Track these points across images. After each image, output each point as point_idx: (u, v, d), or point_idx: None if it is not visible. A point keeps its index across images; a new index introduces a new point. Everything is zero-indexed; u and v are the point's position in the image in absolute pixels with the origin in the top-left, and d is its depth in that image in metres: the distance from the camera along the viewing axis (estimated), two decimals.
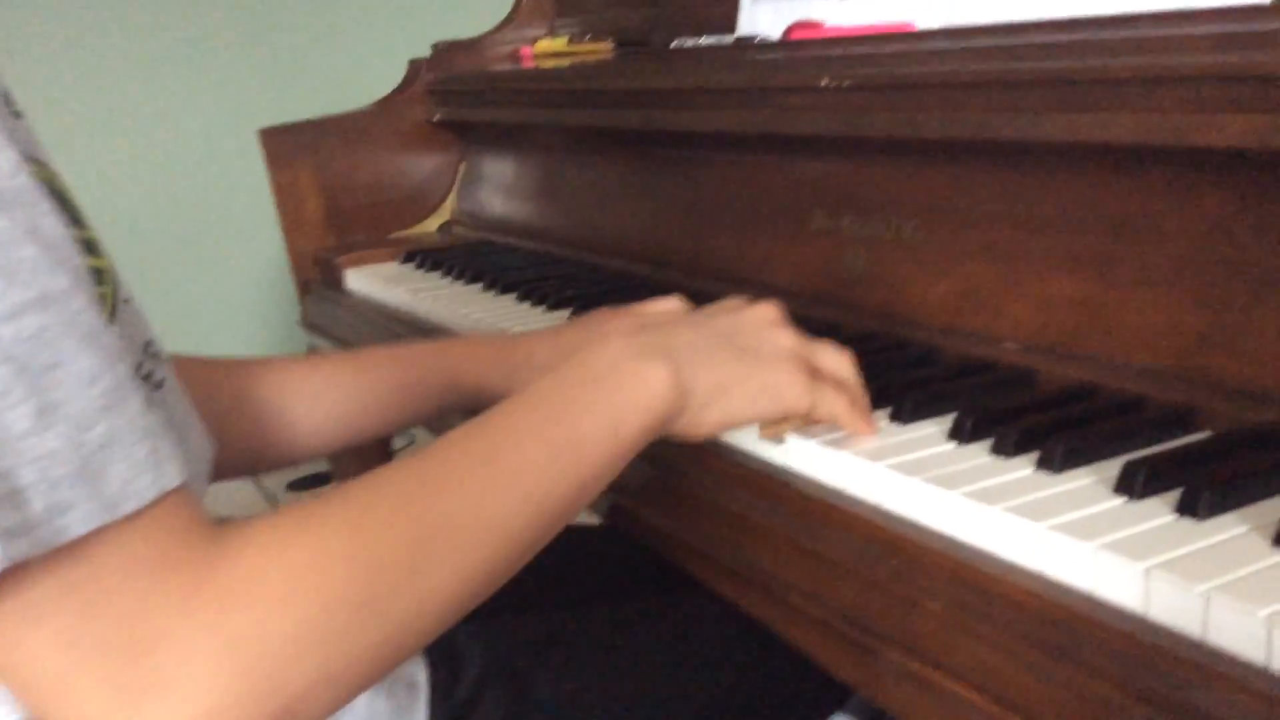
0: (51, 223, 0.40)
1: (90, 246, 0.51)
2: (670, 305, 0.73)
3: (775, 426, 0.62)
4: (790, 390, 0.59)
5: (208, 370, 0.71)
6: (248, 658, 0.40)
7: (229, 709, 0.39)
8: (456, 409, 0.77)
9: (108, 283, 0.51)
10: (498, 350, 0.76)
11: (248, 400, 0.72)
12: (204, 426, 0.60)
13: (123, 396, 0.39)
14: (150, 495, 0.39)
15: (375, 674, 0.45)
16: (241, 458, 0.71)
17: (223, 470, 0.69)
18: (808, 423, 0.63)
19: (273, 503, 2.29)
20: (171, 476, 0.40)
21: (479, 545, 0.48)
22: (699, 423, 0.58)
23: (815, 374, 0.60)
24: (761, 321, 0.61)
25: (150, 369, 0.54)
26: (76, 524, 0.37)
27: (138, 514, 0.39)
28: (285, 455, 0.74)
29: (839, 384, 0.61)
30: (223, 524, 0.43)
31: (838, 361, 0.62)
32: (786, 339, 0.60)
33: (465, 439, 0.51)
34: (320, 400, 0.74)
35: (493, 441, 0.51)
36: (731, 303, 0.63)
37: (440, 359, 0.76)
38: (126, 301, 0.54)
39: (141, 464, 0.39)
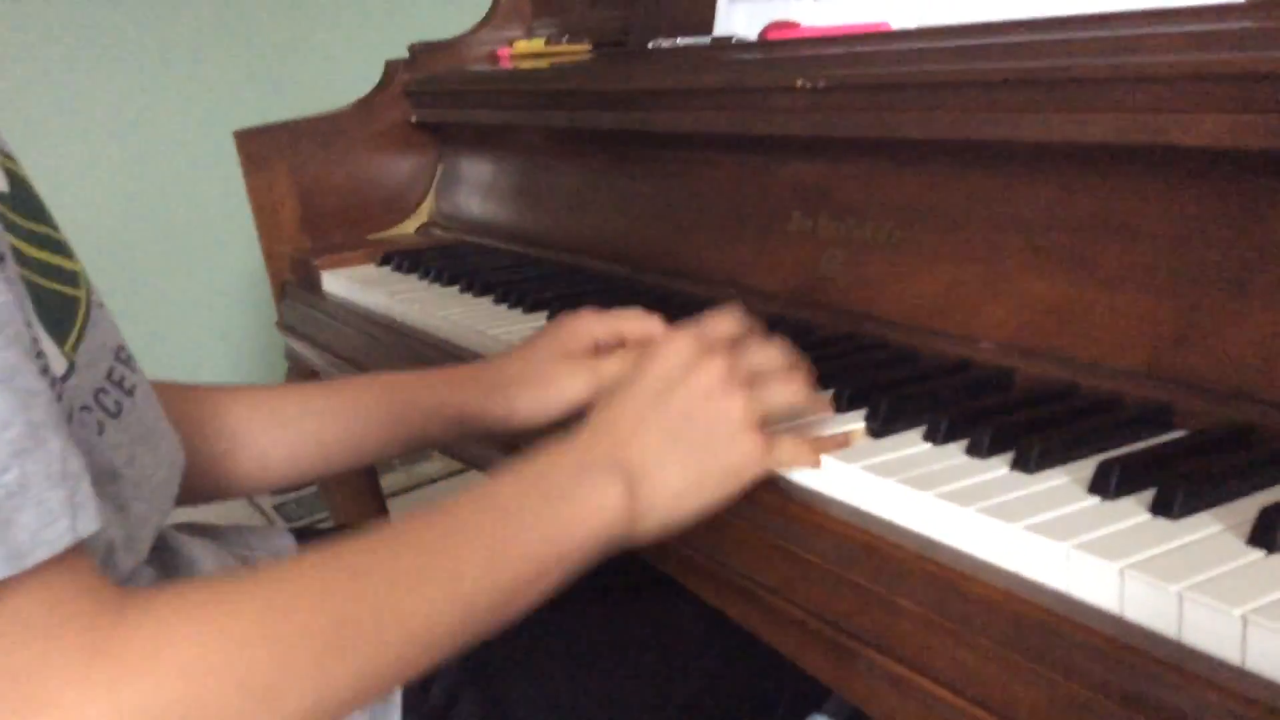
0: None
1: (62, 248, 0.51)
2: (636, 313, 0.73)
3: None
4: (748, 466, 0.59)
5: (177, 395, 0.70)
6: None
7: None
8: (440, 439, 0.77)
9: (81, 286, 0.51)
10: (474, 374, 0.75)
11: (219, 425, 0.71)
12: (175, 435, 0.59)
13: (40, 440, 0.38)
14: (64, 543, 0.38)
15: None
16: (211, 482, 0.71)
17: (194, 494, 0.68)
18: None
19: (260, 512, 2.28)
20: (87, 522, 0.39)
21: (396, 643, 0.47)
22: (661, 531, 0.58)
23: (766, 424, 0.59)
24: (711, 390, 0.58)
25: (122, 374, 0.53)
26: None
27: (45, 567, 0.38)
28: (260, 481, 0.73)
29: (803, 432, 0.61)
30: (132, 589, 0.42)
31: (787, 395, 0.61)
32: (737, 406, 0.58)
33: (403, 534, 0.50)
34: (294, 427, 0.73)
35: (429, 542, 0.50)
36: (675, 357, 0.60)
37: (419, 388, 0.75)
38: (100, 306, 0.53)
39: (55, 511, 0.38)
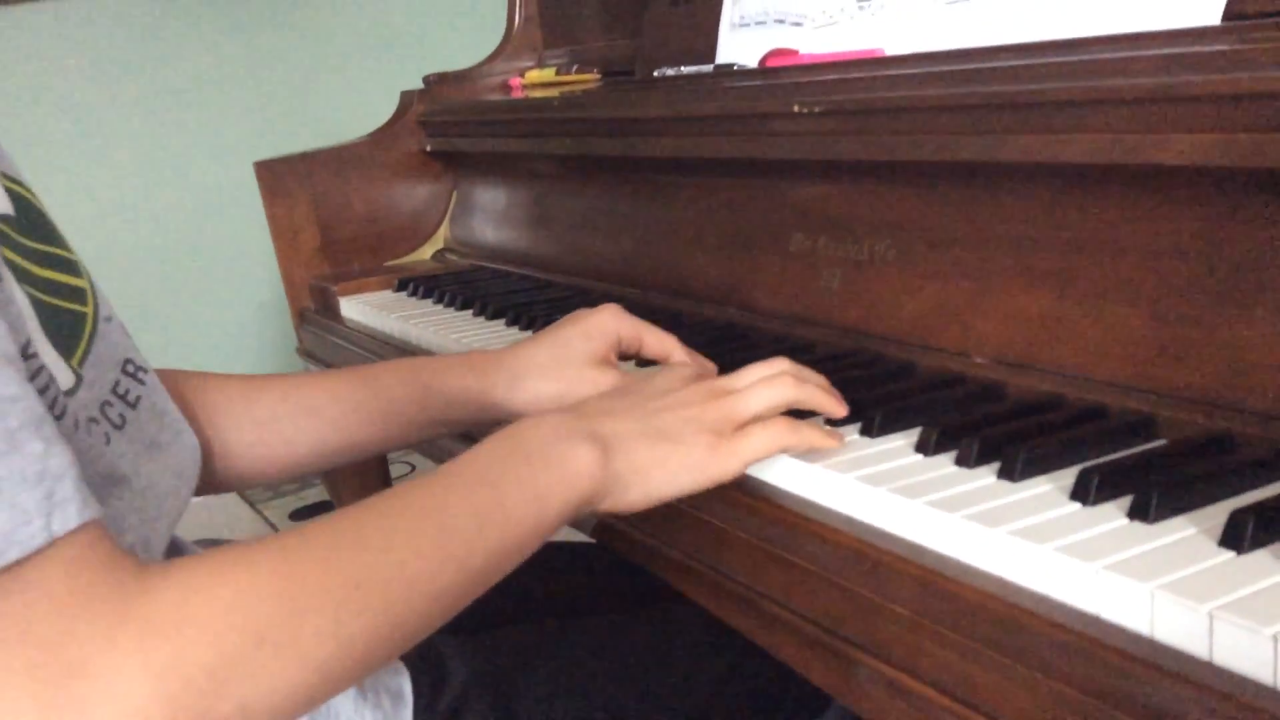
0: None
1: (70, 266, 0.53)
2: (658, 330, 0.76)
3: None
4: (712, 464, 0.61)
5: (207, 384, 0.73)
6: (170, 686, 0.40)
7: None
8: (462, 424, 0.78)
9: (88, 302, 0.54)
10: (498, 361, 0.77)
11: (250, 415, 0.74)
12: (195, 441, 0.62)
13: (15, 444, 0.40)
14: (37, 542, 0.40)
15: (293, 711, 0.46)
16: (242, 469, 0.73)
17: (226, 481, 0.72)
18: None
19: (274, 529, 2.30)
20: (69, 518, 0.41)
21: (401, 600, 0.49)
22: (624, 502, 0.60)
23: (743, 429, 0.62)
24: (686, 400, 0.62)
25: (127, 388, 0.56)
26: None
27: (65, 544, 0.40)
28: (289, 468, 0.75)
29: (777, 419, 0.63)
30: (146, 562, 0.44)
31: (768, 396, 0.63)
32: (709, 414, 0.62)
33: (397, 498, 0.53)
34: (321, 416, 0.75)
35: (423, 504, 0.53)
36: (668, 379, 0.65)
37: (445, 375, 0.77)
38: (108, 319, 0.56)
39: (30, 511, 0.40)
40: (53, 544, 0.40)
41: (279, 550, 0.47)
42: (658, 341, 0.76)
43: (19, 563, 0.39)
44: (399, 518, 0.52)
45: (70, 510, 0.41)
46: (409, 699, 0.63)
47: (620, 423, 0.61)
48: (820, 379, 0.67)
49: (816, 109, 0.82)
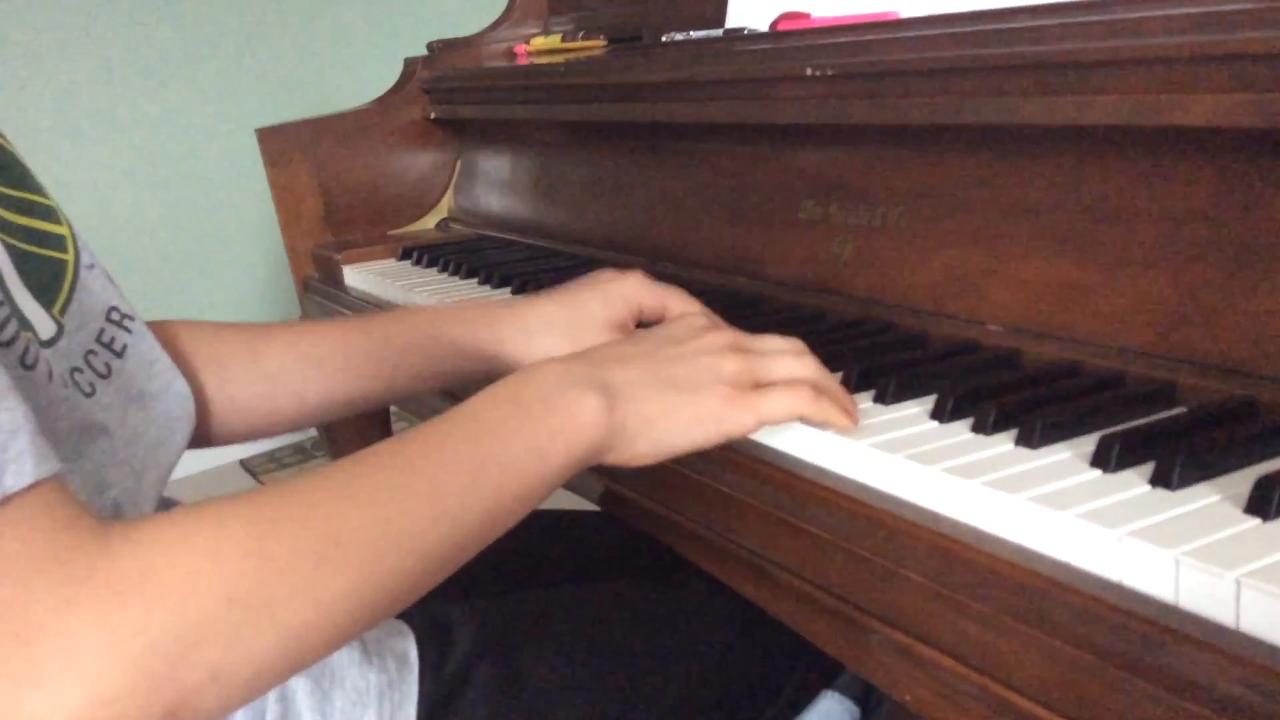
0: None
1: (49, 214, 0.52)
2: (682, 293, 0.73)
3: None
4: (728, 416, 0.57)
5: (213, 335, 0.71)
6: (133, 651, 0.38)
7: (113, 702, 0.38)
8: (473, 376, 0.75)
9: (69, 249, 0.53)
10: (513, 315, 0.73)
11: (256, 366, 0.72)
12: (188, 390, 0.60)
13: None
14: None
15: (269, 679, 0.43)
16: (250, 422, 0.72)
17: (234, 433, 0.71)
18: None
19: None
20: (23, 474, 0.39)
21: (385, 559, 0.46)
22: (632, 455, 0.57)
23: (761, 388, 0.59)
24: (704, 349, 0.59)
25: (112, 335, 0.55)
26: None
27: (16, 505, 0.38)
28: (296, 419, 0.73)
29: (801, 384, 0.60)
30: (111, 521, 0.42)
31: (793, 368, 0.60)
32: (729, 365, 0.58)
33: (384, 452, 0.50)
34: (329, 366, 0.73)
35: (412, 457, 0.50)
36: (684, 327, 0.62)
37: (456, 327, 0.74)
38: (90, 267, 0.55)
39: None
40: (5, 502, 0.38)
41: (253, 505, 0.44)
42: (681, 305, 0.73)
43: None
44: (386, 471, 0.49)
45: (25, 466, 0.39)
46: (414, 663, 0.62)
47: (629, 370, 0.57)
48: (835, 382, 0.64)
49: (830, 72, 0.80)
